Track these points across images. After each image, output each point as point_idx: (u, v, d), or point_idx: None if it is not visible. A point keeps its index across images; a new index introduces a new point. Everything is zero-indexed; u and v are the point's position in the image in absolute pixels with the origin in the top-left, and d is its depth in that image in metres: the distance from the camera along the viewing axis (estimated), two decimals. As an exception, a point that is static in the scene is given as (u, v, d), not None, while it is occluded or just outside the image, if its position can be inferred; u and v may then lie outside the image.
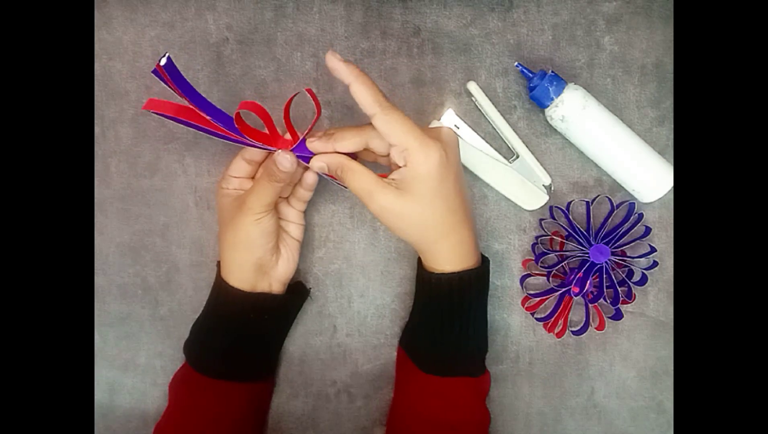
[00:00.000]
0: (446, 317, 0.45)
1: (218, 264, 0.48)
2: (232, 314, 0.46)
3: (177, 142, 0.52)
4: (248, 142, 0.41)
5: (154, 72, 0.35)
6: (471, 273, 0.44)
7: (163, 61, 0.35)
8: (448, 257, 0.43)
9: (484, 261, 0.46)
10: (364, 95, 0.38)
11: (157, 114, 0.38)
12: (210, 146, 0.51)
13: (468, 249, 0.44)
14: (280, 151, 0.41)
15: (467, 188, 0.45)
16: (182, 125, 0.40)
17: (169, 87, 0.36)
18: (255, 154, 0.44)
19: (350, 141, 0.41)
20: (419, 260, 0.46)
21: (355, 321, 0.52)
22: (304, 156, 0.42)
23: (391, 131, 0.38)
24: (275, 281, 0.47)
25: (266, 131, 0.42)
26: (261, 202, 0.43)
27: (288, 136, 0.42)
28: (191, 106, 0.38)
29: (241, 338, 0.47)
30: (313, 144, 0.42)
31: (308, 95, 0.39)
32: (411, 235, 0.43)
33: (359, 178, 0.40)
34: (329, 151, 0.42)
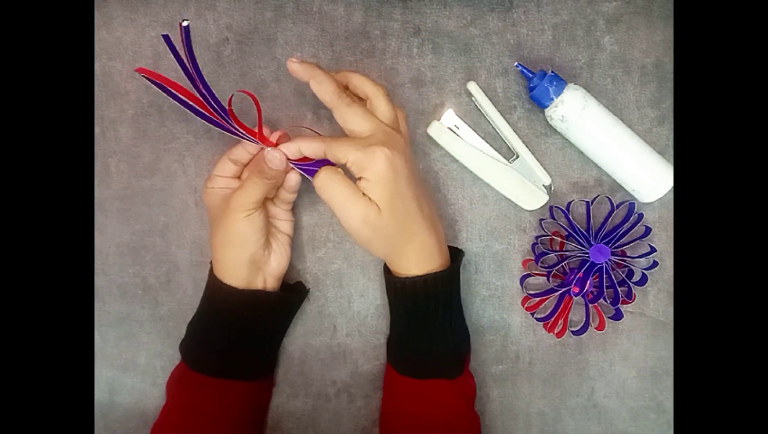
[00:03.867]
0: (413, 320, 0.45)
1: (212, 263, 0.48)
2: (227, 312, 0.46)
3: (177, 142, 0.52)
4: (237, 131, 0.41)
5: (165, 37, 0.34)
6: (436, 276, 0.44)
7: (186, 23, 0.34)
8: (414, 261, 0.44)
9: (455, 260, 0.46)
10: (308, 146, 0.41)
11: (148, 79, 0.37)
12: (210, 146, 0.51)
13: (432, 253, 0.44)
14: (270, 148, 0.42)
15: (429, 193, 0.45)
16: (177, 101, 0.39)
17: (178, 56, 0.36)
18: (241, 155, 0.46)
19: (314, 148, 0.42)
20: (385, 265, 0.47)
21: (355, 321, 0.52)
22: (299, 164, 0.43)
23: (338, 154, 0.41)
24: (269, 276, 0.47)
25: (255, 129, 0.42)
26: (250, 199, 0.43)
27: (275, 136, 0.43)
28: (189, 83, 0.38)
29: (236, 336, 0.47)
30: (283, 148, 0.42)
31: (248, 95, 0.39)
32: (378, 244, 0.43)
33: (336, 189, 0.41)
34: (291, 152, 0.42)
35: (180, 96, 0.39)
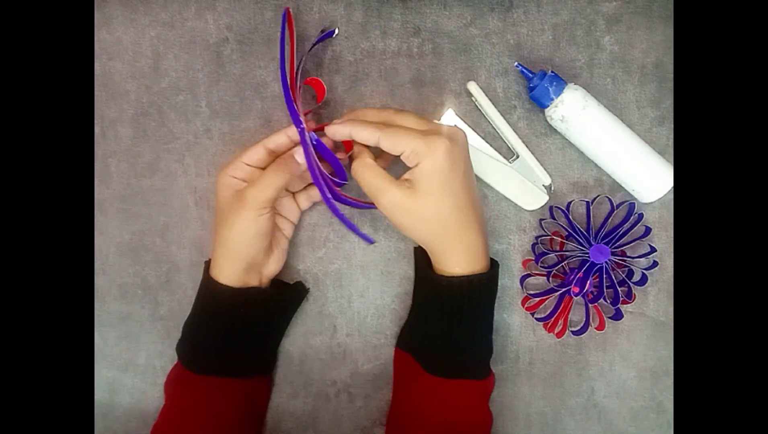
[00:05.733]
0: (455, 320, 0.45)
1: (206, 263, 0.48)
2: (221, 310, 0.46)
3: (177, 141, 0.52)
4: (295, 107, 0.43)
5: (285, 13, 0.45)
6: (482, 277, 0.44)
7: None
8: (459, 259, 0.43)
9: (494, 265, 0.46)
10: (361, 131, 0.41)
11: (284, 25, 0.45)
12: (210, 146, 0.51)
13: (478, 252, 0.44)
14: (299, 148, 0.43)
15: (478, 192, 0.46)
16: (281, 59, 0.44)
17: (287, 30, 0.45)
18: (281, 142, 0.45)
19: (367, 134, 0.41)
20: (424, 262, 0.46)
21: (355, 321, 0.52)
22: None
23: (396, 143, 0.40)
24: (264, 277, 0.48)
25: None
26: (265, 195, 0.42)
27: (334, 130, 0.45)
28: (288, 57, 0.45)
29: (230, 334, 0.47)
30: (333, 127, 0.43)
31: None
32: (420, 232, 0.43)
33: (370, 174, 0.42)
34: (345, 136, 0.43)
35: (284, 58, 0.44)
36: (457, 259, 0.43)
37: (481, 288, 0.44)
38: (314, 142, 0.43)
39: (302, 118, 0.43)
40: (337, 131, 0.42)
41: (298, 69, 0.45)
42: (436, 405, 0.45)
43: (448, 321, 0.45)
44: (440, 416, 0.45)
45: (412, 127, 0.41)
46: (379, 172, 0.42)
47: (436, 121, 0.45)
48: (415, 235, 0.44)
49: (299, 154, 0.43)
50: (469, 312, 0.45)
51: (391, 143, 0.40)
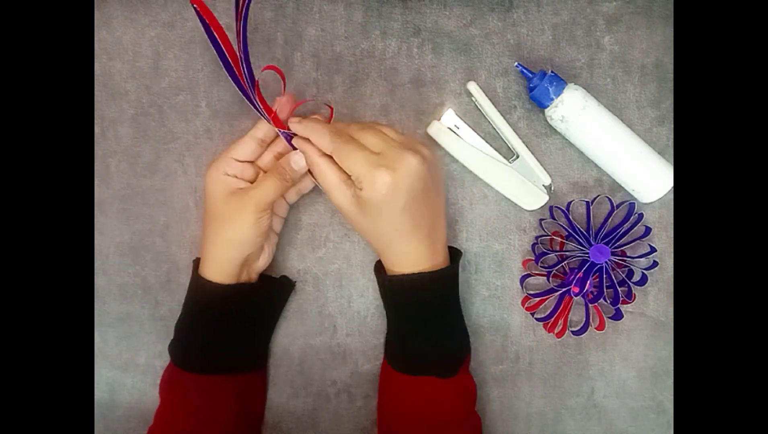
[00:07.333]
0: (402, 318, 0.46)
1: (194, 261, 0.48)
2: (212, 308, 0.46)
3: (177, 141, 0.52)
4: (256, 103, 0.42)
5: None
6: (422, 276, 0.44)
7: None
8: (397, 261, 0.44)
9: (449, 266, 0.46)
10: (319, 138, 0.42)
11: (198, 15, 0.37)
12: (210, 146, 0.51)
13: (421, 255, 0.44)
14: (296, 152, 0.44)
15: (440, 204, 0.46)
16: (216, 49, 0.40)
17: (237, 11, 0.38)
18: (268, 133, 0.46)
19: (324, 142, 0.43)
20: (377, 263, 0.48)
21: (355, 321, 0.52)
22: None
23: (346, 164, 0.41)
24: (253, 273, 0.48)
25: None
26: (267, 200, 0.43)
27: (280, 103, 0.44)
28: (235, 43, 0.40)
29: (222, 330, 0.47)
30: (294, 126, 0.44)
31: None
32: (362, 234, 0.46)
33: (324, 175, 0.43)
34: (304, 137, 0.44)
35: (220, 48, 0.39)
36: (396, 261, 0.45)
37: (424, 287, 0.44)
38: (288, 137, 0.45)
39: (270, 114, 0.43)
40: (296, 130, 0.44)
41: (245, 55, 0.41)
42: (403, 401, 0.46)
43: (397, 318, 0.47)
44: (409, 411, 0.45)
45: (368, 147, 0.41)
46: (331, 170, 0.42)
47: (395, 139, 0.43)
48: (360, 233, 0.46)
49: (294, 161, 0.44)
50: (417, 310, 0.45)
51: (341, 162, 0.41)
